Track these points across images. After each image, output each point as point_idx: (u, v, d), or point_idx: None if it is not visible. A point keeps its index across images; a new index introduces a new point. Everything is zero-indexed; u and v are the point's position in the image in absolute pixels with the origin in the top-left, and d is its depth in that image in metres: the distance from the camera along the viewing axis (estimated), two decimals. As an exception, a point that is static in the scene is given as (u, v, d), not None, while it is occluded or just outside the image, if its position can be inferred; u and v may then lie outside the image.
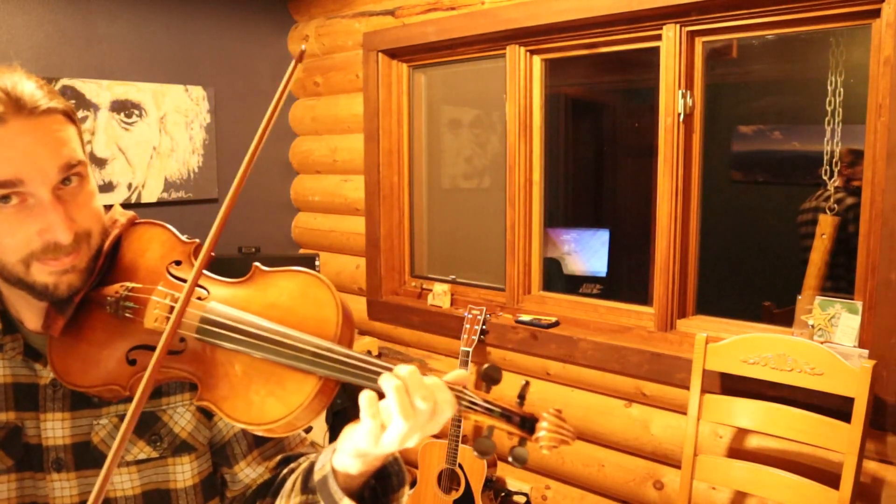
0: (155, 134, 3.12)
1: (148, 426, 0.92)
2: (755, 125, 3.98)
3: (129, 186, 3.05)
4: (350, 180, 3.36)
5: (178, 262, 0.91)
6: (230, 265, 1.06)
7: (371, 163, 3.20)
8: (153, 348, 0.81)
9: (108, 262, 0.90)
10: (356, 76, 3.23)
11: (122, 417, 0.90)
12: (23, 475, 0.89)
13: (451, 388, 0.78)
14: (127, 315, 0.86)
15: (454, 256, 3.25)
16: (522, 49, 2.70)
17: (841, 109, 2.30)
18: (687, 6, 2.18)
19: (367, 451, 0.79)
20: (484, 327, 2.67)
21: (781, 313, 2.53)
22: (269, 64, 3.51)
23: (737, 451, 2.15)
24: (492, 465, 2.61)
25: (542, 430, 0.78)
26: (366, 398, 0.77)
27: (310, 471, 0.88)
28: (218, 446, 0.98)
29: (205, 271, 0.89)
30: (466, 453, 2.54)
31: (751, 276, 3.75)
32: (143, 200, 3.10)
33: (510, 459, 0.78)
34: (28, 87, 0.84)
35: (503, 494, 2.74)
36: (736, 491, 2.15)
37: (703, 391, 2.05)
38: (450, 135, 3.27)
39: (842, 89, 2.30)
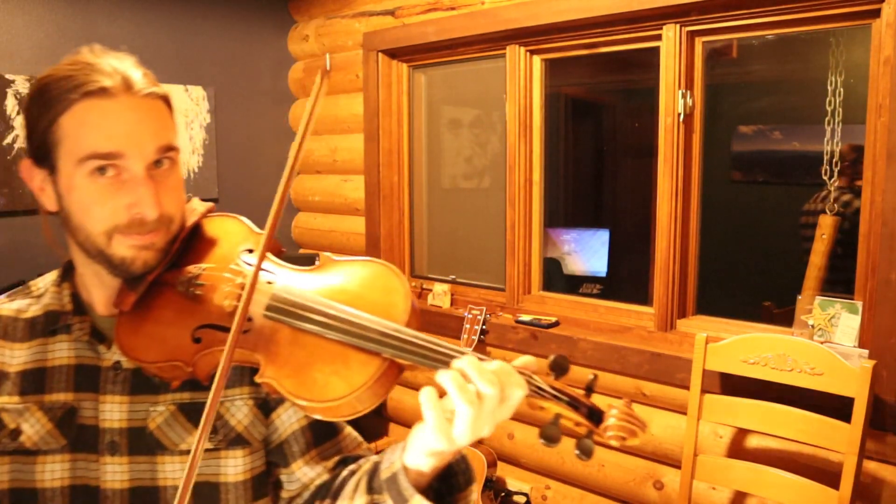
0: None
1: None
2: (755, 125, 3.98)
3: (129, 186, 3.06)
4: (350, 180, 3.36)
5: (250, 251, 0.94)
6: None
7: (371, 163, 3.20)
8: (219, 328, 0.86)
9: (181, 248, 0.93)
10: (356, 76, 3.23)
11: (178, 405, 0.92)
12: (76, 456, 0.90)
13: (520, 373, 0.77)
14: (197, 293, 0.89)
15: (454, 256, 3.25)
16: (522, 49, 2.70)
17: (841, 109, 2.30)
18: (687, 6, 2.18)
19: (438, 447, 0.77)
20: (484, 327, 2.67)
21: (781, 313, 2.53)
22: (270, 64, 3.51)
23: (737, 451, 2.15)
24: (492, 465, 2.61)
25: (612, 417, 0.76)
26: (425, 393, 0.76)
27: (374, 470, 0.87)
28: (274, 444, 0.98)
29: (274, 259, 0.92)
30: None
31: (751, 276, 3.76)
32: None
33: (577, 452, 0.76)
34: (137, 73, 0.90)
35: (503, 494, 2.74)
36: (736, 491, 2.15)
37: (703, 391, 2.05)
38: (450, 135, 3.27)
39: (842, 89, 2.30)
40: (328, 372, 0.80)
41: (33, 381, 0.92)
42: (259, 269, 0.82)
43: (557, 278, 3.64)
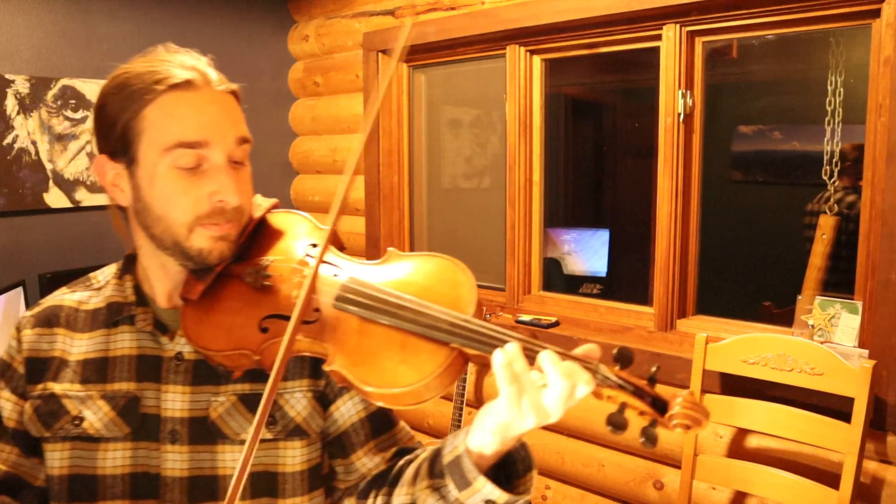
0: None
1: None
2: (755, 125, 3.98)
3: (129, 186, 3.06)
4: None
5: (315, 245, 0.96)
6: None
7: (371, 163, 3.20)
8: (287, 318, 0.86)
9: (247, 241, 0.95)
10: (356, 76, 3.23)
11: (239, 396, 0.94)
12: (138, 444, 0.92)
13: (585, 364, 0.79)
14: (266, 284, 0.91)
15: (454, 256, 3.24)
16: (522, 49, 2.70)
17: (841, 109, 2.30)
18: (687, 6, 2.18)
19: (511, 424, 0.79)
20: (484, 327, 2.67)
21: (781, 313, 2.53)
22: (270, 64, 3.51)
23: (737, 451, 2.15)
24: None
25: (677, 406, 0.78)
26: (499, 364, 0.77)
27: (436, 456, 0.89)
28: (333, 436, 0.99)
29: (338, 253, 0.95)
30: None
31: (751, 276, 3.76)
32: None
33: (642, 440, 0.79)
34: (208, 66, 0.94)
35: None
36: (736, 491, 2.15)
37: (703, 391, 2.05)
38: (450, 135, 3.27)
39: (842, 89, 2.30)
40: (397, 360, 0.82)
41: (95, 370, 0.94)
42: (322, 259, 0.84)
43: (557, 278, 3.64)
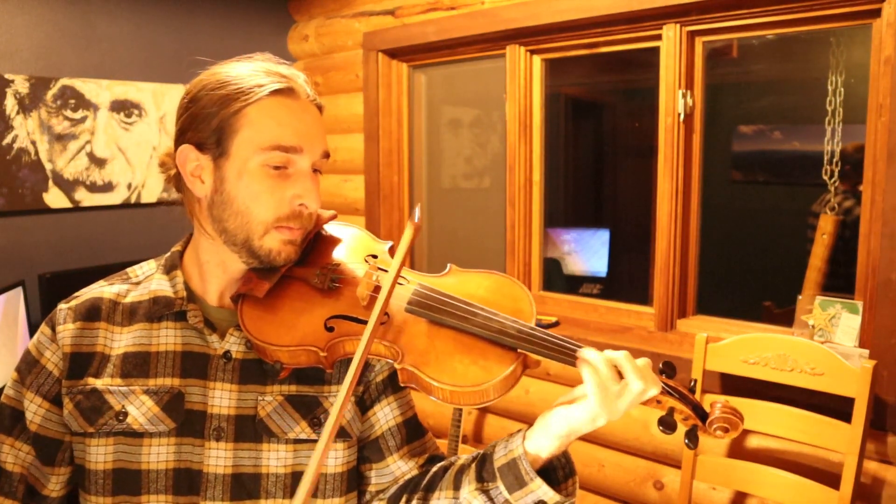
0: (155, 134, 3.12)
1: (310, 409, 0.96)
2: (755, 125, 3.97)
3: (129, 186, 3.05)
4: (350, 180, 3.36)
5: (374, 256, 1.01)
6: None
7: (371, 163, 3.19)
8: (352, 318, 0.93)
9: (308, 248, 0.99)
10: (356, 76, 3.23)
11: (286, 396, 0.96)
12: (182, 440, 0.93)
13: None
14: (333, 286, 0.96)
15: (454, 256, 3.24)
16: (522, 49, 2.70)
17: (841, 109, 2.30)
18: (687, 6, 2.17)
19: (581, 427, 0.86)
20: (484, 327, 2.67)
21: (782, 313, 2.53)
22: (269, 64, 3.51)
23: (737, 451, 2.15)
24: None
25: (717, 411, 0.89)
26: (588, 370, 0.85)
27: (484, 460, 0.92)
28: (369, 440, 1.01)
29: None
30: (467, 452, 2.54)
31: (751, 276, 3.75)
32: (143, 200, 3.10)
33: (686, 441, 0.90)
34: (307, 83, 1.00)
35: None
36: (736, 491, 2.15)
37: (704, 391, 2.05)
38: (450, 135, 3.27)
39: (842, 89, 2.30)
40: (468, 362, 0.88)
41: (137, 365, 0.95)
42: (402, 263, 0.88)
43: (557, 278, 3.63)
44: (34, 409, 0.95)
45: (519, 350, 0.88)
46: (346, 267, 0.98)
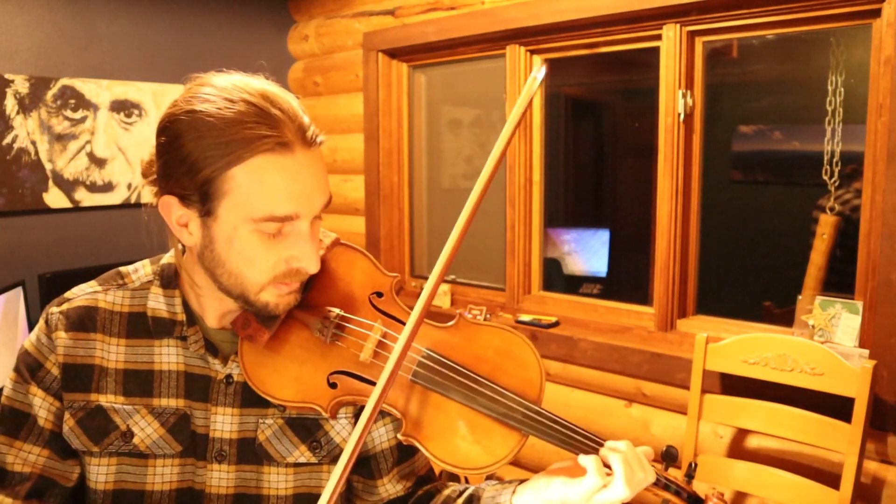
0: (154, 134, 3.12)
1: (310, 432, 0.95)
2: (755, 125, 3.97)
3: (129, 186, 3.05)
4: (350, 180, 3.36)
5: (379, 294, 0.94)
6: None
7: (371, 163, 3.19)
8: (356, 376, 0.88)
9: (309, 280, 0.92)
10: (356, 76, 3.23)
11: (286, 420, 0.94)
12: (186, 461, 0.92)
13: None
14: (337, 342, 0.90)
15: (454, 256, 3.24)
16: (522, 49, 2.70)
17: (841, 109, 2.30)
18: (687, 6, 2.17)
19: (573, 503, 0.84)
20: (484, 327, 2.67)
21: (782, 313, 2.53)
22: (269, 64, 3.49)
23: (737, 451, 2.15)
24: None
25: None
26: (592, 462, 0.83)
27: (470, 502, 0.93)
28: (363, 458, 1.00)
29: (404, 306, 0.93)
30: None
31: (751, 276, 3.75)
32: (143, 201, 3.08)
33: None
34: (301, 111, 0.84)
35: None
36: (736, 491, 2.15)
37: (703, 391, 2.05)
38: (450, 135, 3.26)
39: (842, 89, 2.29)
40: (471, 440, 0.86)
41: (139, 383, 0.92)
42: (405, 350, 0.80)
43: (557, 278, 3.63)
44: (46, 407, 0.91)
45: (523, 431, 0.86)
46: (350, 319, 0.91)
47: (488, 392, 0.86)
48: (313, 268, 0.85)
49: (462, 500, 0.93)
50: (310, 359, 0.90)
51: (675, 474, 0.93)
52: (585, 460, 0.84)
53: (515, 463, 2.74)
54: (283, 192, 0.80)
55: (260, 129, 0.79)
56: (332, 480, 0.74)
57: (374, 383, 0.86)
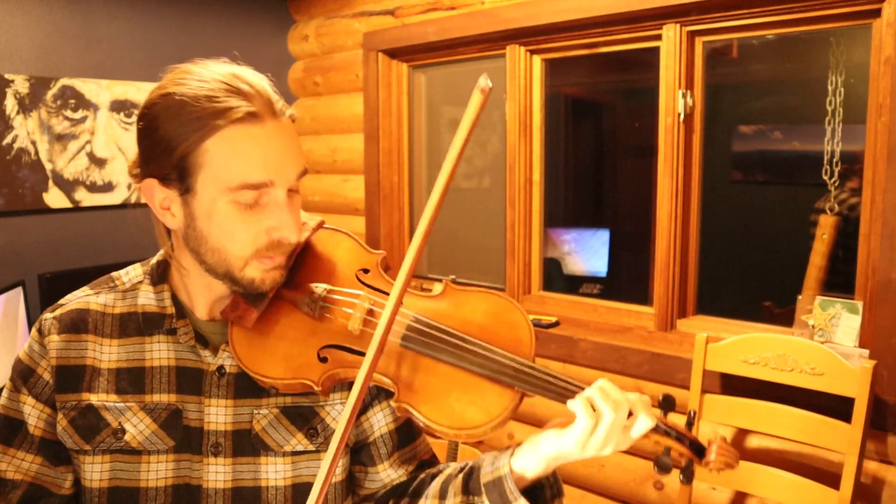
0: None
1: (307, 420, 0.95)
2: (755, 125, 3.97)
3: (129, 186, 3.05)
4: (350, 180, 3.36)
5: (366, 270, 0.95)
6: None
7: (371, 163, 3.19)
8: (346, 349, 0.88)
9: (296, 262, 0.94)
10: (356, 76, 3.23)
11: (281, 408, 0.94)
12: (181, 456, 0.92)
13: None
14: (325, 315, 0.91)
15: (454, 256, 3.24)
16: (522, 49, 2.70)
17: (841, 109, 2.30)
18: (687, 6, 2.17)
19: (569, 454, 0.84)
20: (484, 327, 2.66)
21: (782, 313, 2.53)
22: (269, 64, 3.50)
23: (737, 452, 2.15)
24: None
25: (713, 453, 0.89)
26: (580, 404, 0.82)
27: (471, 473, 0.91)
28: (361, 445, 1.00)
29: (389, 279, 0.93)
30: (466, 453, 2.54)
31: (751, 276, 3.75)
32: (143, 200, 3.09)
33: (681, 478, 0.90)
34: (270, 89, 0.89)
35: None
36: (736, 491, 2.15)
37: (703, 391, 2.05)
38: (450, 135, 3.26)
39: (842, 89, 2.29)
40: (465, 401, 0.85)
41: (132, 381, 0.92)
42: (395, 313, 0.81)
43: (557, 278, 3.63)
44: (36, 415, 0.93)
45: (516, 388, 0.86)
46: (337, 291, 0.92)
47: (479, 350, 0.86)
48: (293, 236, 0.87)
49: (462, 475, 0.92)
50: (299, 336, 0.90)
51: (677, 421, 0.92)
52: (574, 404, 0.83)
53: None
54: (255, 160, 0.83)
55: (230, 101, 0.83)
56: (331, 450, 0.75)
57: (364, 354, 0.86)
